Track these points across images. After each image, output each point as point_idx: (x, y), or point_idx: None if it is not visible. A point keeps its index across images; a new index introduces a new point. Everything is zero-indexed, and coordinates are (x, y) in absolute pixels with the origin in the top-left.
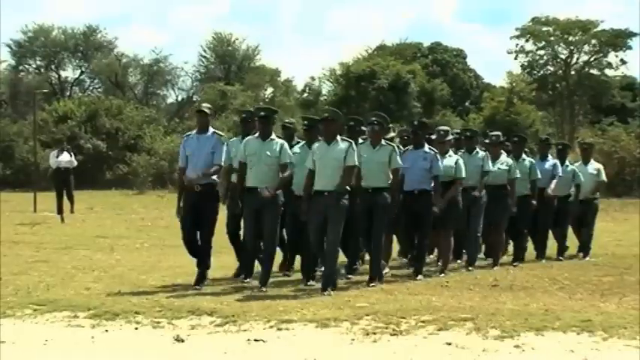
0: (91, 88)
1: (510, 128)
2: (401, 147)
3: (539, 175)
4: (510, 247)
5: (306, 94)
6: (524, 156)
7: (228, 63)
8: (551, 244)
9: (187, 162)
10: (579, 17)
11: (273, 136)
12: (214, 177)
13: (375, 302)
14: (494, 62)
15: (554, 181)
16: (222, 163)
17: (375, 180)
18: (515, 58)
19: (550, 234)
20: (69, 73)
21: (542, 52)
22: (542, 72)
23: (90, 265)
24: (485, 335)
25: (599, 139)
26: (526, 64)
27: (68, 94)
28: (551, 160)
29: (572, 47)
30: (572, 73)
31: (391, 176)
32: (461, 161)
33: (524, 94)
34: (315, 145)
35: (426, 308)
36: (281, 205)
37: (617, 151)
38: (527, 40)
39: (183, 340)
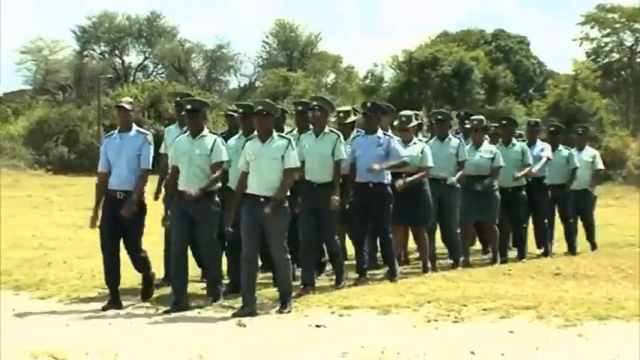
0: (154, 73)
1: (574, 116)
2: (461, 137)
3: (531, 162)
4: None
5: (368, 81)
6: (514, 141)
7: (291, 49)
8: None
9: (110, 165)
10: None
11: (206, 132)
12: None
13: (437, 289)
14: (558, 49)
15: (541, 163)
16: (150, 167)
17: (319, 174)
18: (580, 45)
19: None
20: (132, 58)
21: (607, 39)
22: (607, 59)
23: (152, 251)
24: (548, 324)
25: None
26: (591, 51)
27: (132, 79)
28: (540, 145)
29: (637, 34)
30: (638, 60)
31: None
32: (427, 149)
33: (588, 82)
34: (248, 143)
35: (488, 296)
36: (219, 211)
37: None
38: (592, 27)
39: (245, 325)
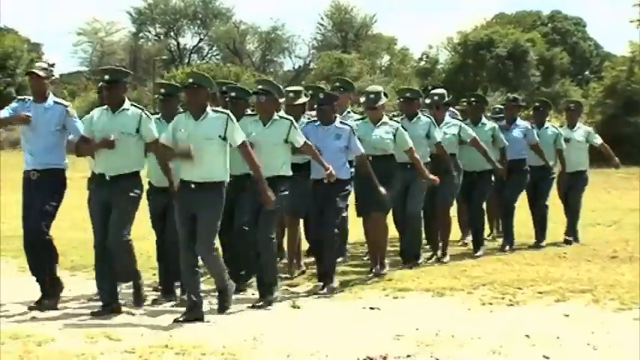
0: (209, 55)
1: (631, 97)
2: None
3: (507, 143)
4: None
5: (423, 63)
6: (484, 120)
7: (346, 31)
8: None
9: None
10: None
11: (127, 105)
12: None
13: (492, 272)
14: (615, 31)
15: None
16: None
17: (266, 167)
18: (637, 27)
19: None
20: (187, 40)
21: None
22: None
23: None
24: (603, 307)
25: None
26: None
27: (187, 61)
28: (521, 125)
29: None
30: None
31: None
32: (402, 129)
33: None
34: (180, 116)
35: (543, 279)
36: (138, 197)
37: None
38: None
39: (299, 307)
